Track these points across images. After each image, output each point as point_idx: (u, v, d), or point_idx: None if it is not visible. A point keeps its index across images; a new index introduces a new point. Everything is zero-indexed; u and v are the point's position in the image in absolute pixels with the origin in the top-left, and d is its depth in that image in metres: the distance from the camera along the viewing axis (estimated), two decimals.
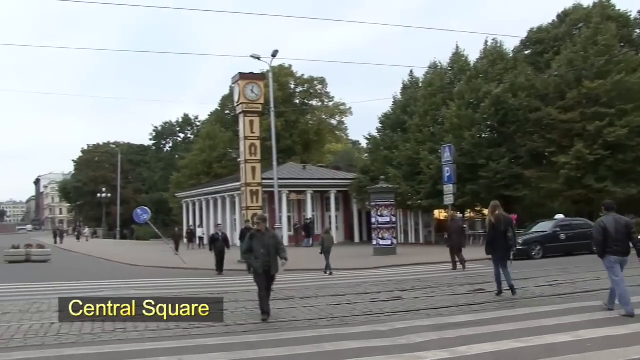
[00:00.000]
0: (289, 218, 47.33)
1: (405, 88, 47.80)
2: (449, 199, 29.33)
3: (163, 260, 30.15)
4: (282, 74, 65.67)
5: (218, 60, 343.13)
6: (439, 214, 42.52)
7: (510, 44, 52.84)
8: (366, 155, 55.23)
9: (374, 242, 31.63)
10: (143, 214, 31.39)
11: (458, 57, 43.15)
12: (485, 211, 41.48)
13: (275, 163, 33.67)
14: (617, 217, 10.79)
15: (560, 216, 29.83)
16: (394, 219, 33.06)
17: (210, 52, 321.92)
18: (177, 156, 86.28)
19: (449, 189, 29.32)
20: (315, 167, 56.70)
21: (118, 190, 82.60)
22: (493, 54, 40.73)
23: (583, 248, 25.18)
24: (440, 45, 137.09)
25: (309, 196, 48.49)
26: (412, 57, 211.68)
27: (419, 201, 39.68)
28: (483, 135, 39.41)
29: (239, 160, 35.02)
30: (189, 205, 60.60)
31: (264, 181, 31.99)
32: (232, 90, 41.55)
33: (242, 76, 30.90)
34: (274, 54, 32.47)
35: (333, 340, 9.06)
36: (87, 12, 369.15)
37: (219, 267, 23.85)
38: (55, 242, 60.60)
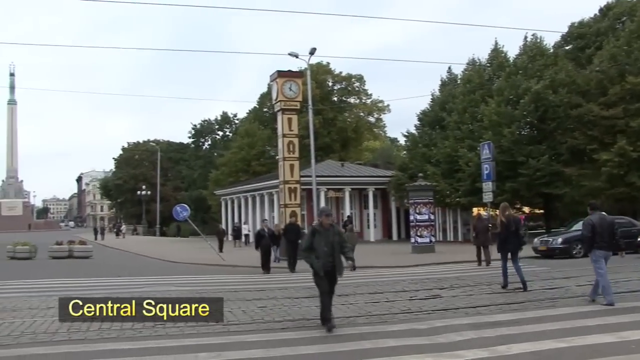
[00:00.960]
0: (261, 221, 47.53)
1: (443, 85, 47.52)
2: (488, 197, 29.08)
3: (202, 257, 30.39)
4: (320, 72, 65.72)
5: (257, 58, 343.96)
6: (478, 212, 42.18)
7: (550, 39, 51.88)
8: (404, 152, 55.08)
9: (412, 240, 31.53)
10: (182, 211, 31.70)
11: (497, 53, 42.74)
12: (526, 209, 41.50)
13: (313, 160, 33.68)
14: (603, 216, 12.33)
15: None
16: (432, 217, 32.91)
17: (249, 50, 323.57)
18: (215, 154, 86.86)
19: (487, 186, 29.06)
20: (353, 165, 56.60)
21: (158, 187, 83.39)
22: (533, 49, 40.21)
23: (626, 247, 24.67)
24: (479, 42, 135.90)
25: (347, 193, 48.46)
26: (450, 54, 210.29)
27: (458, 199, 39.42)
28: (522, 132, 38.99)
29: (277, 157, 35.07)
30: (227, 202, 60.99)
31: (302, 178, 32.02)
32: (270, 88, 41.68)
33: (280, 74, 30.96)
34: (312, 52, 32.47)
35: (371, 338, 9.05)
36: (131, 13, 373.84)
37: (266, 265, 22.43)
38: (96, 239, 61.55)
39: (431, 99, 47.53)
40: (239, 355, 8.30)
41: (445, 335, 9.15)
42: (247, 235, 46.72)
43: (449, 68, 47.97)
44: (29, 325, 10.80)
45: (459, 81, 46.26)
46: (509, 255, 14.55)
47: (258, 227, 37.25)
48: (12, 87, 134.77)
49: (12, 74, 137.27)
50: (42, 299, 14.42)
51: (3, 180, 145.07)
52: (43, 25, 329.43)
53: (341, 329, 9.96)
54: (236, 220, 56.31)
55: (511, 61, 41.73)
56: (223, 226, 52.37)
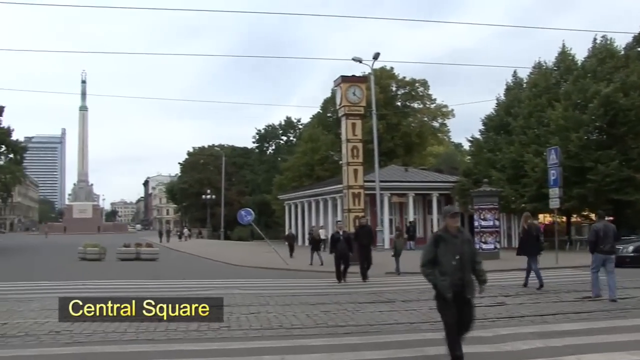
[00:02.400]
0: (390, 221, 47.06)
1: (508, 89, 46.84)
2: (554, 203, 28.47)
3: (266, 261, 30.61)
4: (384, 76, 65.57)
5: (321, 63, 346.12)
6: (544, 218, 41.36)
7: (621, 41, 50.45)
8: (469, 157, 54.46)
9: (477, 246, 31.10)
10: (246, 215, 32.04)
11: (564, 56, 41.90)
12: (593, 216, 40.48)
13: (377, 165, 33.70)
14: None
15: None
16: (497, 223, 32.46)
17: (314, 56, 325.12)
18: (279, 159, 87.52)
19: (554, 192, 28.45)
20: (417, 170, 56.26)
21: (222, 192, 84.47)
22: (602, 51, 39.26)
23: None
24: (545, 45, 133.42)
25: (410, 199, 48.18)
26: (515, 58, 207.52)
27: (523, 205, 38.68)
28: (591, 137, 38.08)
29: (341, 162, 35.17)
30: (291, 207, 61.31)
31: (365, 183, 32.01)
32: (334, 93, 41.79)
33: (344, 79, 31.03)
34: (376, 57, 32.56)
35: (435, 345, 8.95)
36: (198, 22, 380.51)
37: (342, 273, 19.83)
38: (160, 241, 62.73)
39: (496, 103, 46.96)
40: (303, 359, 8.35)
41: (511, 343, 9.01)
42: (324, 240, 44.97)
43: (515, 72, 47.28)
44: (100, 324, 11.01)
45: (524, 85, 45.50)
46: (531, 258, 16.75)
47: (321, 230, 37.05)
48: (83, 94, 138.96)
49: (83, 81, 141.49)
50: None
51: (74, 184, 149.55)
52: (113, 34, 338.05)
53: (405, 334, 9.91)
54: (313, 223, 55.67)
55: (579, 64, 40.83)
56: (292, 231, 51.01)
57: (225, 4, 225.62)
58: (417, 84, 71.66)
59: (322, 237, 43.32)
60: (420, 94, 72.48)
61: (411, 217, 47.12)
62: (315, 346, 9.09)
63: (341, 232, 20.57)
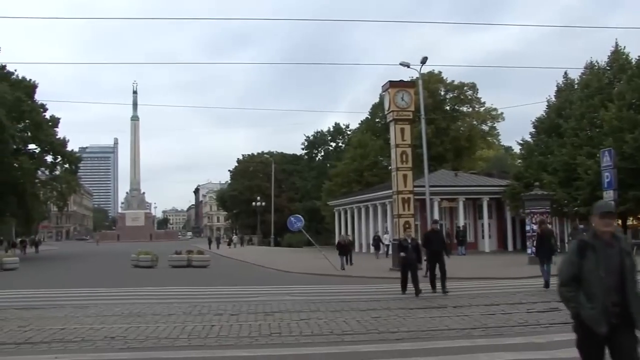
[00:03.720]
0: (440, 226, 46.62)
1: (559, 90, 46.11)
2: None
3: (316, 267, 30.66)
4: (432, 81, 65.19)
5: (368, 69, 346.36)
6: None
7: None
8: (519, 161, 53.75)
9: (529, 251, 30.53)
10: (297, 221, 32.19)
11: (618, 55, 41.03)
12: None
13: (426, 170, 33.44)
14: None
15: None
16: (549, 227, 31.88)
17: (361, 61, 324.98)
18: (328, 165, 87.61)
19: (609, 195, 27.79)
20: (467, 174, 55.72)
21: (272, 198, 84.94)
22: None
23: None
24: (597, 44, 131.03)
25: (460, 203, 47.74)
26: (566, 59, 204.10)
27: (576, 208, 37.97)
28: None
29: (390, 168, 34.98)
30: (340, 213, 61.33)
31: (415, 188, 31.76)
32: (382, 98, 41.64)
33: (392, 84, 30.88)
34: (423, 61, 32.29)
35: (488, 351, 8.87)
36: (246, 30, 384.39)
37: (411, 284, 17.48)
38: (209, 248, 63.34)
39: (547, 105, 46.30)
40: None
41: (566, 350, 8.78)
42: (387, 246, 41.64)
43: (565, 73, 46.51)
44: (153, 330, 11.26)
45: (576, 86, 44.73)
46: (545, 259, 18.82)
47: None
48: (135, 104, 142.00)
49: (135, 92, 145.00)
50: (164, 306, 15.05)
51: (127, 193, 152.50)
52: (164, 45, 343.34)
53: (456, 340, 9.82)
54: (378, 229, 54.81)
55: (633, 62, 39.92)
56: (350, 237, 47.03)
57: (273, 12, 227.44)
58: (465, 88, 71.04)
59: (386, 242, 41.99)
60: (469, 97, 71.84)
61: (461, 222, 46.63)
62: (366, 352, 9.08)
63: (409, 240, 18.68)
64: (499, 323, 11.45)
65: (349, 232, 53.27)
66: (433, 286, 17.83)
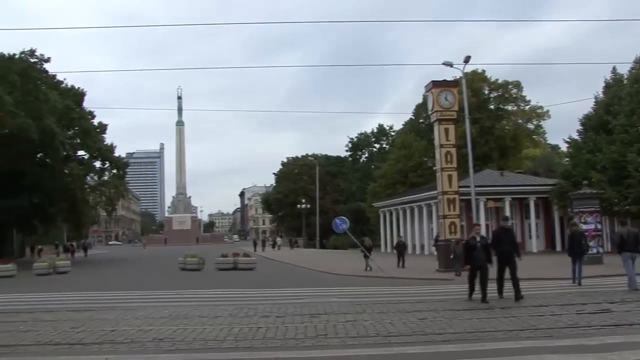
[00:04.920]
0: (486, 226, 46.18)
1: (607, 87, 45.36)
2: None
3: (362, 269, 30.61)
4: (476, 80, 64.64)
5: (412, 69, 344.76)
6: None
7: None
8: (567, 159, 52.96)
9: None
10: (342, 223, 32.21)
11: None
12: None
13: (471, 170, 33.17)
14: (630, 228, 18.46)
15: None
16: (599, 226, 31.34)
17: (405, 62, 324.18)
18: (373, 166, 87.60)
19: None
20: (512, 173, 55.14)
21: (317, 201, 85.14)
22: None
23: None
24: None
25: (507, 203, 47.21)
26: (614, 54, 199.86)
27: (627, 207, 37.23)
28: None
29: (434, 168, 34.79)
30: (385, 214, 61.19)
31: (460, 189, 31.53)
32: (425, 98, 41.46)
33: (435, 84, 30.71)
34: (467, 60, 32.05)
35: (536, 353, 8.72)
36: (290, 33, 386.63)
37: (480, 289, 15.66)
38: (255, 250, 63.76)
39: (594, 102, 45.55)
40: None
41: (619, 353, 8.62)
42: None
43: (614, 68, 45.74)
44: (200, 332, 11.37)
45: (625, 82, 43.87)
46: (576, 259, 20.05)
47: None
48: (179, 110, 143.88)
49: (179, 97, 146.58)
50: (210, 308, 15.18)
51: (173, 197, 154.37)
52: (208, 50, 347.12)
53: (503, 342, 9.70)
54: (435, 230, 53.49)
55: None
56: (402, 238, 44.66)
57: (316, 15, 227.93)
58: (510, 86, 70.24)
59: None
60: (514, 96, 70.99)
61: (508, 222, 46.07)
62: (412, 354, 9.03)
63: (478, 238, 16.37)
64: (547, 325, 11.26)
65: (401, 234, 52.38)
66: (500, 292, 15.86)
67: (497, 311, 13.31)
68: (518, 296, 15.18)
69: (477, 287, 15.64)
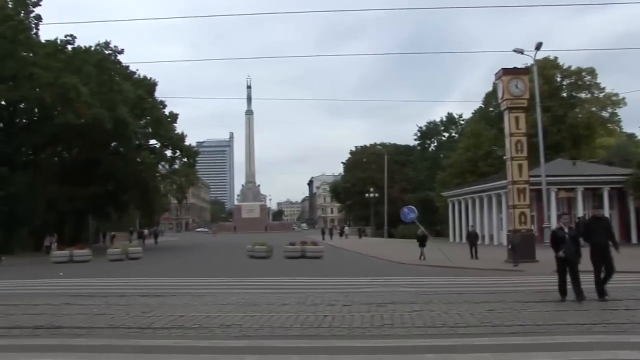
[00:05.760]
0: (558, 217, 45.17)
1: None
2: None
3: (429, 259, 30.39)
4: (548, 67, 63.16)
5: (481, 57, 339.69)
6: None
7: None
8: None
9: None
10: (410, 212, 32.05)
11: None
12: None
13: (542, 159, 32.56)
14: None
15: None
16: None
17: (473, 49, 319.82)
18: (441, 155, 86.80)
19: None
20: (585, 163, 53.78)
21: (385, 190, 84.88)
22: None
23: None
24: None
25: (579, 193, 46.09)
26: None
27: None
28: None
29: (504, 157, 34.21)
30: (454, 204, 60.59)
31: (531, 178, 30.95)
32: (495, 86, 40.78)
33: (505, 72, 30.15)
34: (538, 47, 31.43)
35: (609, 349, 8.47)
36: (359, 21, 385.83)
37: (572, 287, 13.78)
38: (323, 239, 64.00)
39: None
40: (467, 359, 8.22)
41: None
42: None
43: None
44: (267, 319, 11.49)
45: None
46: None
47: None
48: (249, 99, 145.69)
49: (249, 87, 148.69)
50: (278, 296, 15.33)
51: (243, 185, 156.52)
52: (277, 38, 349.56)
53: (575, 336, 9.47)
54: (477, 221, 54.00)
55: None
56: (475, 228, 42.90)
57: (384, 2, 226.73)
58: (583, 73, 68.31)
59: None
60: (588, 83, 69.02)
61: (580, 213, 44.96)
62: (480, 345, 8.91)
63: (566, 229, 14.36)
64: (621, 319, 10.92)
65: (472, 223, 51.10)
66: (600, 293, 13.64)
67: (569, 304, 13.01)
68: (601, 295, 13.54)
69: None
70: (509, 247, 28.06)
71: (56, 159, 57.22)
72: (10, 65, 41.73)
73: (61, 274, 26.17)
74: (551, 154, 53.97)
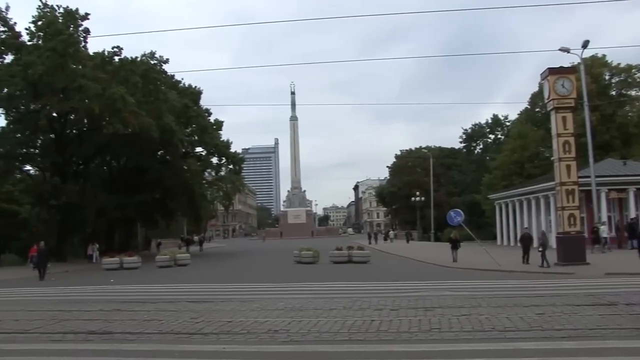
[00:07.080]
0: (609, 218, 44.23)
1: None
2: None
3: (477, 262, 30.10)
4: (595, 65, 61.94)
5: (527, 57, 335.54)
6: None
7: None
8: None
9: None
10: (456, 216, 31.77)
11: None
12: None
13: (591, 160, 31.98)
14: None
15: None
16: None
17: (519, 49, 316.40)
18: (487, 157, 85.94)
19: None
20: (637, 162, 52.56)
21: (431, 193, 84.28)
22: None
23: None
24: None
25: (631, 194, 45.04)
26: None
27: None
28: None
29: (552, 158, 33.65)
30: (501, 206, 59.85)
31: (580, 179, 30.40)
32: (541, 87, 40.21)
33: (551, 71, 29.70)
34: (585, 45, 30.93)
35: None
36: (403, 24, 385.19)
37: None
38: (370, 243, 63.85)
39: None
40: None
41: None
42: (605, 238, 37.47)
43: None
44: (314, 324, 11.52)
45: None
46: None
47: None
48: (293, 105, 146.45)
49: (292, 93, 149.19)
50: (325, 301, 15.34)
51: (288, 191, 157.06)
52: (318, 45, 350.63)
53: (628, 341, 9.27)
54: (596, 220, 49.08)
55: None
56: (528, 231, 38.19)
57: (426, 4, 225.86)
58: (634, 70, 66.79)
59: (605, 235, 38.08)
60: (638, 80, 67.56)
61: (632, 214, 43.94)
62: (529, 350, 8.79)
63: None
64: None
65: (602, 220, 47.03)
66: None
67: (622, 307, 12.73)
68: None
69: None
70: (539, 249, 27.95)
71: (105, 168, 58.44)
72: (60, 78, 42.61)
73: (112, 280, 26.70)
74: (601, 154, 52.94)
